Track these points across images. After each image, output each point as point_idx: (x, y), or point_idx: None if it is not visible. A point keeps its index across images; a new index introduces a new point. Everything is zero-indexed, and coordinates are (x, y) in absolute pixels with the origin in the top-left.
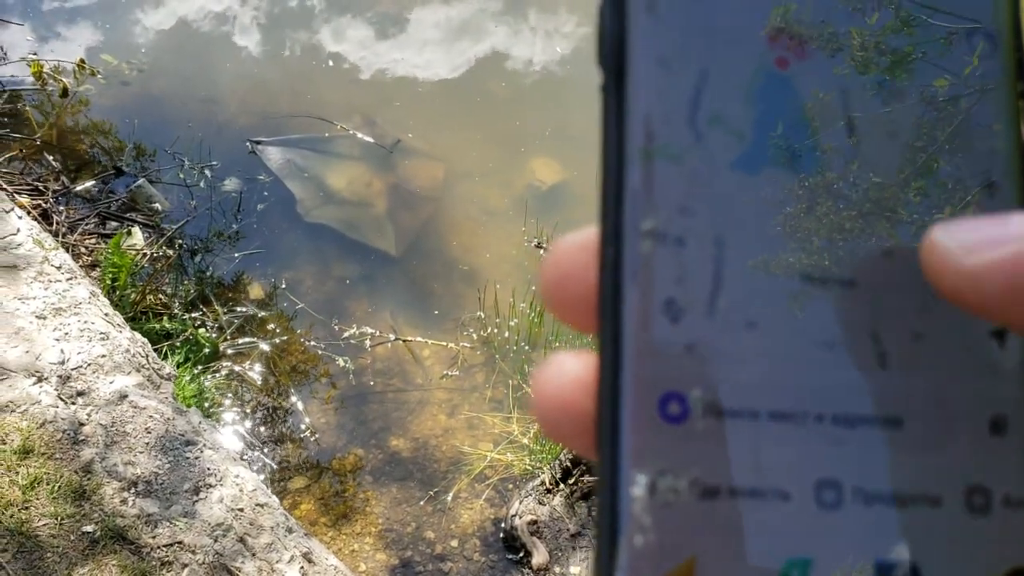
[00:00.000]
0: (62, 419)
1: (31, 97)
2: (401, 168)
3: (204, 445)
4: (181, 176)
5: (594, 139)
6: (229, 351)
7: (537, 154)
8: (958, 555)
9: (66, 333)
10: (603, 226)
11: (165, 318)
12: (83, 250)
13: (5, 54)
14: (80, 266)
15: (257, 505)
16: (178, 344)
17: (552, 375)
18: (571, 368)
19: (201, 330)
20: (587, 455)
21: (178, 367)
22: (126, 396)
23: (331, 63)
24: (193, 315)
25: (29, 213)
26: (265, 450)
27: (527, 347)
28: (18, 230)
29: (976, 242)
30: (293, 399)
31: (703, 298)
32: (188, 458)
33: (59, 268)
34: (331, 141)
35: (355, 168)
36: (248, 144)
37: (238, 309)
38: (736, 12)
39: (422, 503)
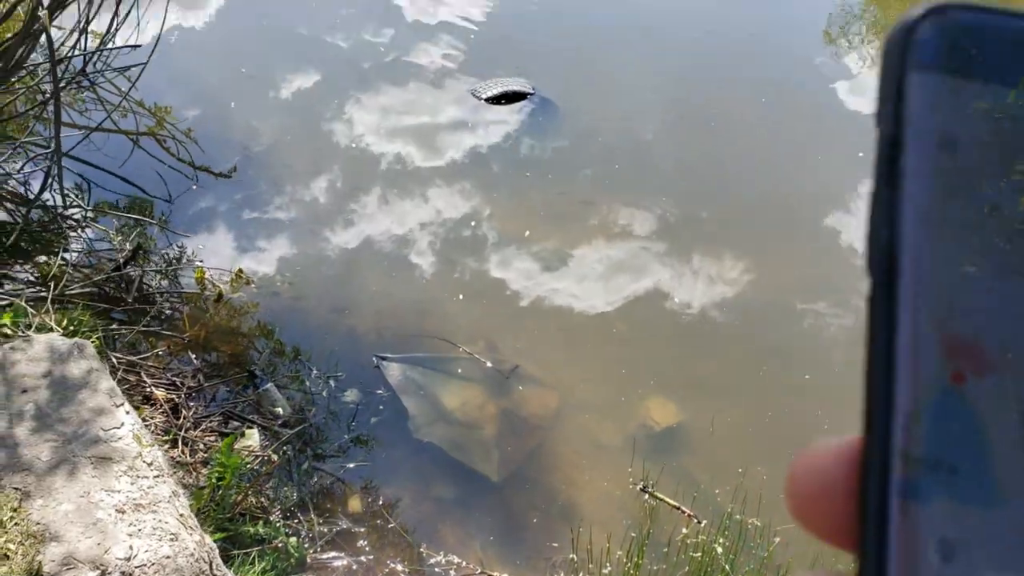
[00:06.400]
0: None
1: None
2: (516, 394)
3: None
4: (307, 384)
5: (717, 385)
6: (315, 565)
7: (655, 394)
8: None
9: (139, 529)
10: (867, 445)
11: (261, 522)
12: (201, 447)
13: (188, 260)
14: (193, 461)
15: None
16: (268, 551)
17: None
18: None
19: (292, 539)
20: None
21: (263, 575)
22: None
23: (461, 296)
24: (289, 522)
25: (161, 407)
26: None
27: None
28: (122, 424)
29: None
30: None
31: (979, 538)
32: None
33: (150, 465)
34: (452, 361)
35: (470, 390)
36: (375, 359)
37: (336, 521)
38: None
39: None
